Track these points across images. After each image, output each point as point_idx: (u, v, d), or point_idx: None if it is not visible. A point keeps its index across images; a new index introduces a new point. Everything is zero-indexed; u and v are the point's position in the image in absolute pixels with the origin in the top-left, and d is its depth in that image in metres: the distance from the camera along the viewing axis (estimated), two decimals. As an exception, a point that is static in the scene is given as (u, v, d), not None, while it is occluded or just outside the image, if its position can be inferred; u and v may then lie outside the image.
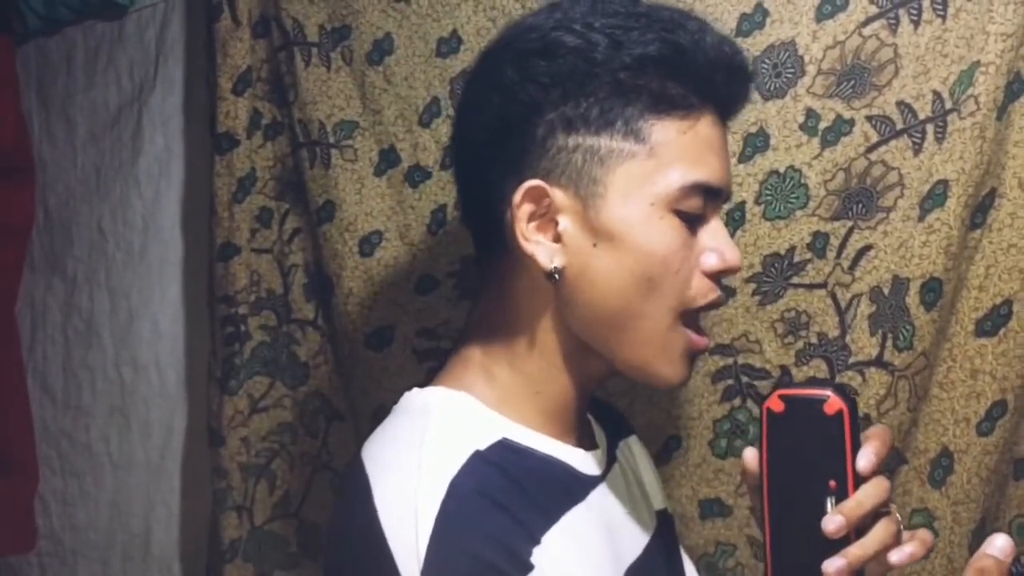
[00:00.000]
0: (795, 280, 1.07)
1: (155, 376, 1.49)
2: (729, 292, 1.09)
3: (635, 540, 0.83)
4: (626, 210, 0.72)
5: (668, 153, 0.73)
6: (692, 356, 0.77)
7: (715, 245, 0.75)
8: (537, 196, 0.74)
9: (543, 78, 0.73)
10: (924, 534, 0.65)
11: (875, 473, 0.64)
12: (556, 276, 0.74)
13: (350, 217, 1.22)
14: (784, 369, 1.08)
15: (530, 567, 0.66)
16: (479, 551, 0.65)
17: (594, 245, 0.73)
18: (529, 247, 0.74)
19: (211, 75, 1.29)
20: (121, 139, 1.50)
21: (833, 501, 0.63)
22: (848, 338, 1.05)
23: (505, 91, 0.75)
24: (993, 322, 0.99)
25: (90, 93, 1.53)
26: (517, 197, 0.74)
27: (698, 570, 1.12)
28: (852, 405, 0.64)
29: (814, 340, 1.07)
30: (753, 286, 1.08)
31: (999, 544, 0.64)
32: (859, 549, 0.62)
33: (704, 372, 1.11)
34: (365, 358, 1.24)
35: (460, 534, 0.65)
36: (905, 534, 0.66)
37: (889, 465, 1.04)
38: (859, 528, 0.63)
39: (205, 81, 1.34)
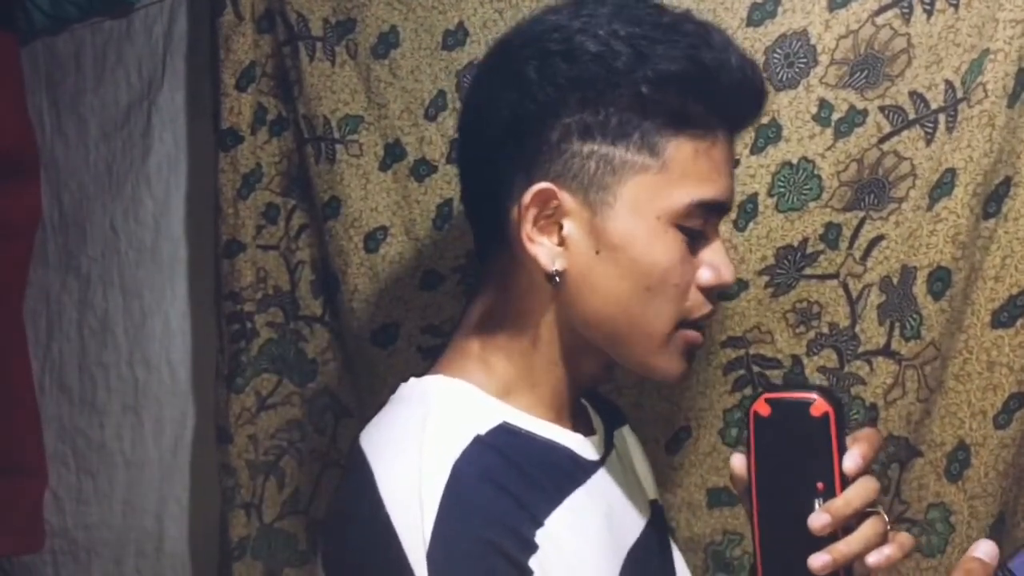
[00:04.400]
0: (807, 271, 1.06)
1: (167, 374, 1.50)
2: (742, 285, 1.08)
3: (634, 525, 0.84)
4: (632, 221, 0.73)
5: (680, 170, 0.73)
6: (690, 351, 0.79)
7: (713, 261, 0.77)
8: (545, 198, 0.74)
9: (563, 81, 0.73)
10: (904, 537, 0.66)
11: (862, 474, 0.65)
12: (556, 279, 0.74)
13: (355, 213, 1.21)
14: (795, 359, 1.08)
15: (534, 547, 0.68)
16: (483, 532, 0.67)
17: (597, 252, 0.74)
18: (532, 248, 0.74)
19: (215, 71, 1.29)
20: (132, 137, 1.50)
21: (821, 502, 0.64)
22: (858, 327, 1.05)
23: (523, 89, 0.74)
24: (1010, 313, 0.97)
25: (100, 91, 1.53)
26: (527, 198, 0.74)
27: (706, 558, 1.13)
28: (838, 407, 0.65)
29: (825, 330, 1.06)
30: (766, 278, 1.07)
31: (984, 548, 0.65)
32: (845, 546, 0.64)
33: (716, 364, 1.11)
34: (371, 355, 1.23)
35: (464, 516, 0.66)
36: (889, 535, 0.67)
37: (902, 457, 1.04)
38: (847, 528, 0.64)
39: (209, 77, 1.34)
